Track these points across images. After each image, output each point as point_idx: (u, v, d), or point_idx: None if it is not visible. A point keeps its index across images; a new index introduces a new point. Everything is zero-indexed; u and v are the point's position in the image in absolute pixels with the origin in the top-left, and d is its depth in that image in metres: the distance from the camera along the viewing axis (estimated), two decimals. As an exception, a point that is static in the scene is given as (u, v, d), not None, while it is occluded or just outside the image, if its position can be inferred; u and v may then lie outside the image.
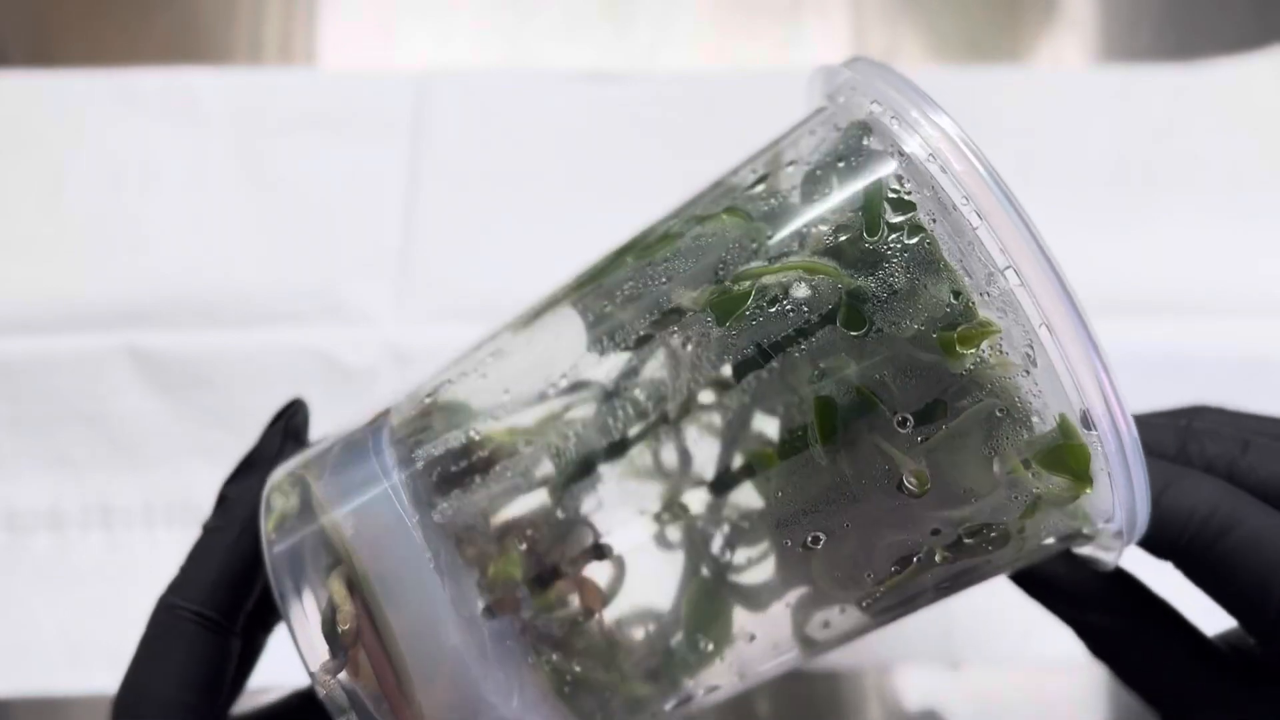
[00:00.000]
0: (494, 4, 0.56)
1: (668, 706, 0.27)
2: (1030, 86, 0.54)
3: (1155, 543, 0.25)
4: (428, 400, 0.28)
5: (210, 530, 0.29)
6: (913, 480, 0.24)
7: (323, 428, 0.31)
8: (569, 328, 0.28)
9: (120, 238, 0.50)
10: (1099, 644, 0.29)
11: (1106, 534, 0.25)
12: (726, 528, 0.27)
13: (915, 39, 0.56)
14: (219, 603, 0.28)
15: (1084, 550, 0.27)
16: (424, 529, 0.25)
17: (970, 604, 0.28)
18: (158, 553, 0.45)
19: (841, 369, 0.24)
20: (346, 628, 0.24)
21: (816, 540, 0.25)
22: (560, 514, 0.27)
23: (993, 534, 0.25)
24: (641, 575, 0.27)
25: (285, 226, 0.50)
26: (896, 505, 0.24)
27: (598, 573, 0.26)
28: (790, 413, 0.25)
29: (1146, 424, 0.27)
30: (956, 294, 0.23)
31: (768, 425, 0.26)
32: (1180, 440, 0.27)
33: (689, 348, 0.26)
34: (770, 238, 0.25)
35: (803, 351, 0.24)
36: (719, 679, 0.27)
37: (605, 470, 0.27)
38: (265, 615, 0.30)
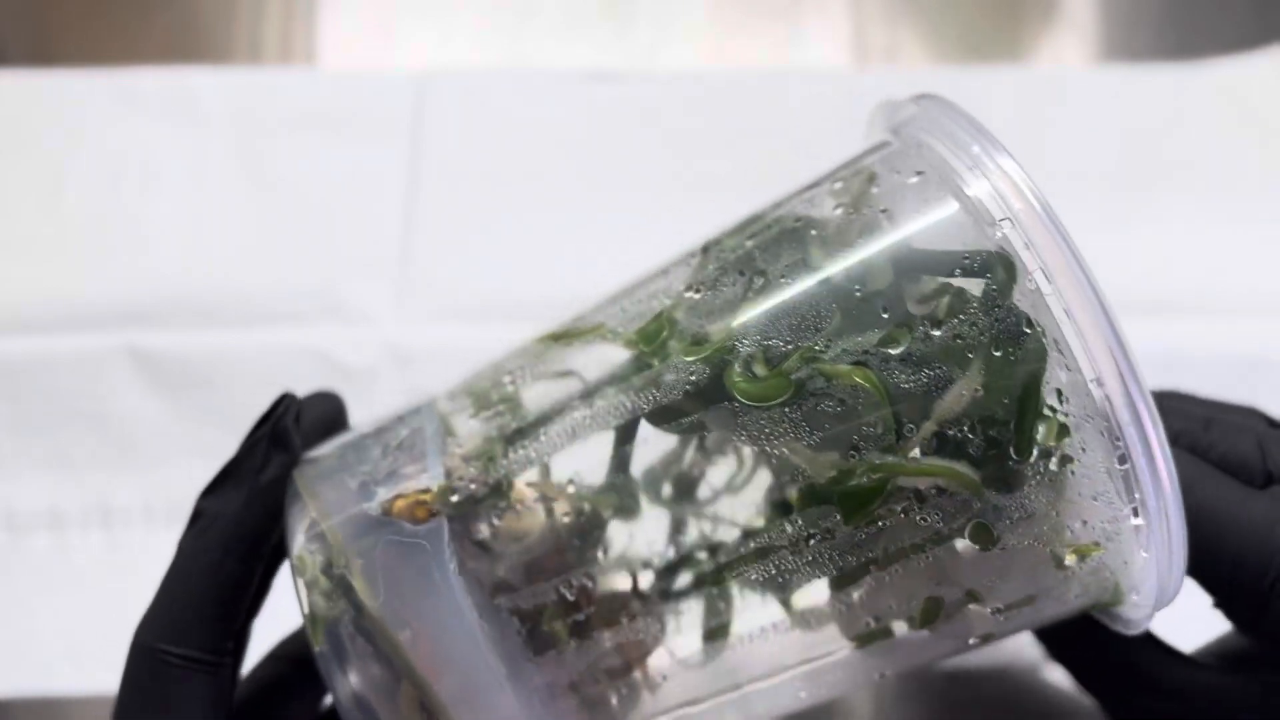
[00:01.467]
0: (494, 4, 0.56)
1: None
2: (1030, 86, 0.54)
3: None
4: (475, 469, 0.25)
5: (188, 554, 0.26)
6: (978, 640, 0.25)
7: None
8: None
9: (120, 238, 0.50)
10: (1053, 645, 0.30)
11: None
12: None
13: (915, 39, 0.56)
14: (209, 640, 0.25)
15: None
16: (487, 619, 0.24)
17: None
18: (158, 553, 0.45)
19: (956, 576, 0.23)
20: None
21: (881, 676, 0.26)
22: (607, 572, 0.25)
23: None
24: (682, 626, 0.26)
25: (285, 226, 0.50)
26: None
27: (640, 626, 0.26)
28: (897, 605, 0.24)
29: None
30: (1084, 521, 0.23)
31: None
32: None
33: (808, 541, 0.24)
34: (911, 429, 0.22)
35: (924, 560, 0.23)
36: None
37: (658, 533, 0.26)
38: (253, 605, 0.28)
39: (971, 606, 0.24)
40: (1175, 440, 0.27)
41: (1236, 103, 0.53)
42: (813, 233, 0.24)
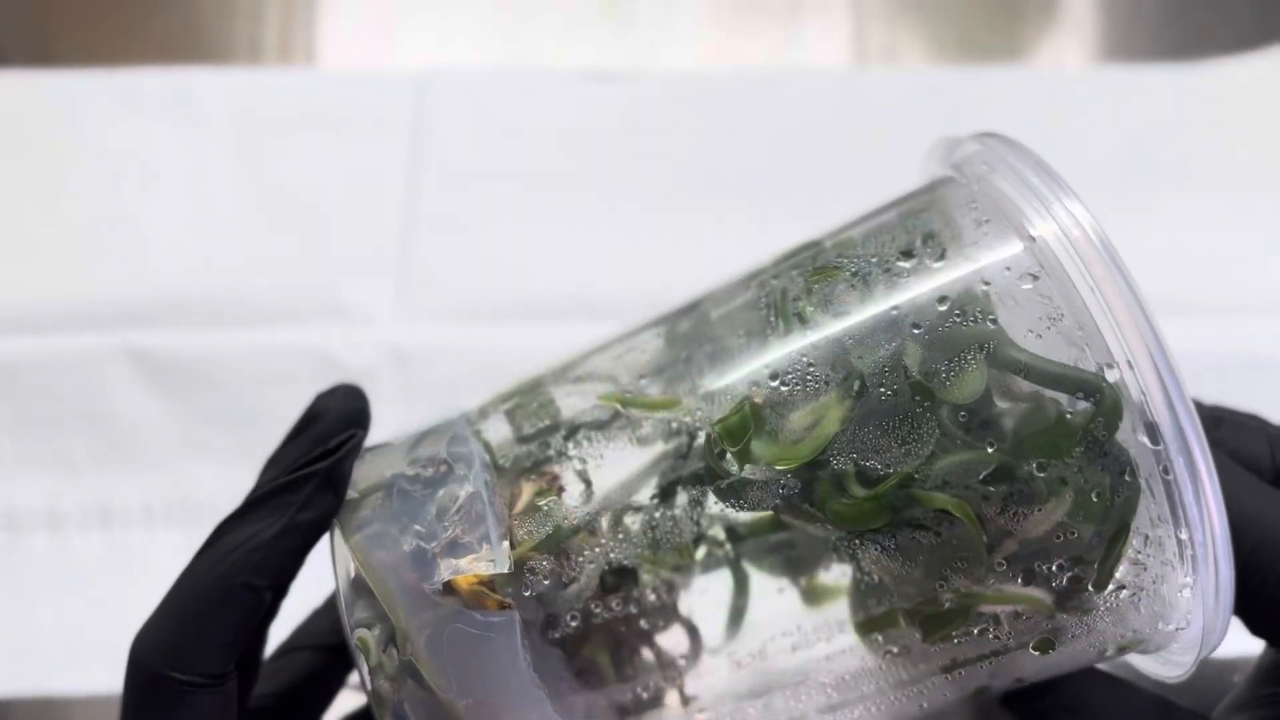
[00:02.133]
0: (494, 4, 0.56)
1: None
2: (1030, 86, 0.54)
3: None
4: (547, 562, 0.24)
5: (202, 576, 0.24)
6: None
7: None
8: None
9: (120, 238, 0.50)
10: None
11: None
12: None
13: (915, 39, 0.56)
14: (216, 664, 0.24)
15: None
16: (561, 713, 0.23)
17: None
18: (157, 553, 0.45)
19: (1010, 670, 0.24)
20: None
21: None
22: (652, 599, 0.25)
23: None
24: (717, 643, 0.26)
25: (285, 226, 0.50)
26: None
27: (676, 644, 0.25)
28: (951, 695, 0.25)
29: None
30: (1136, 630, 0.24)
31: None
32: None
33: (883, 654, 0.24)
34: (1002, 563, 0.22)
35: (986, 665, 0.24)
36: None
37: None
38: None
39: (1016, 685, 0.25)
40: None
41: (1236, 103, 0.53)
42: (914, 330, 0.23)
